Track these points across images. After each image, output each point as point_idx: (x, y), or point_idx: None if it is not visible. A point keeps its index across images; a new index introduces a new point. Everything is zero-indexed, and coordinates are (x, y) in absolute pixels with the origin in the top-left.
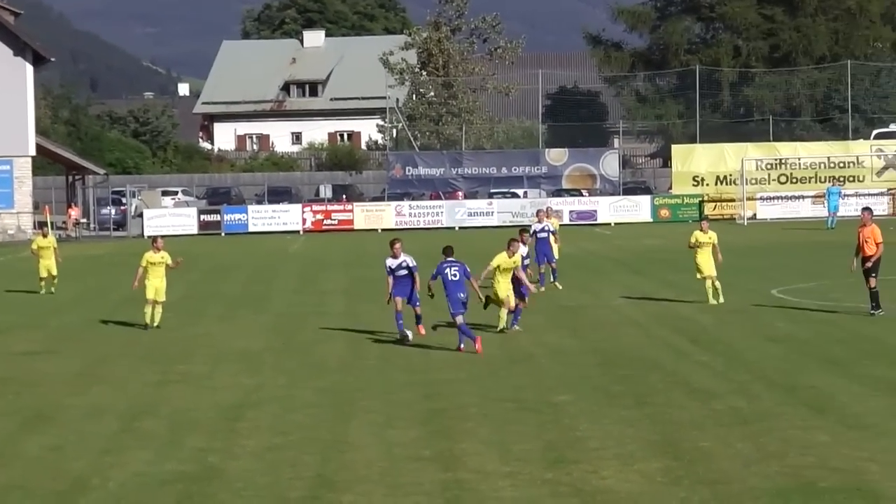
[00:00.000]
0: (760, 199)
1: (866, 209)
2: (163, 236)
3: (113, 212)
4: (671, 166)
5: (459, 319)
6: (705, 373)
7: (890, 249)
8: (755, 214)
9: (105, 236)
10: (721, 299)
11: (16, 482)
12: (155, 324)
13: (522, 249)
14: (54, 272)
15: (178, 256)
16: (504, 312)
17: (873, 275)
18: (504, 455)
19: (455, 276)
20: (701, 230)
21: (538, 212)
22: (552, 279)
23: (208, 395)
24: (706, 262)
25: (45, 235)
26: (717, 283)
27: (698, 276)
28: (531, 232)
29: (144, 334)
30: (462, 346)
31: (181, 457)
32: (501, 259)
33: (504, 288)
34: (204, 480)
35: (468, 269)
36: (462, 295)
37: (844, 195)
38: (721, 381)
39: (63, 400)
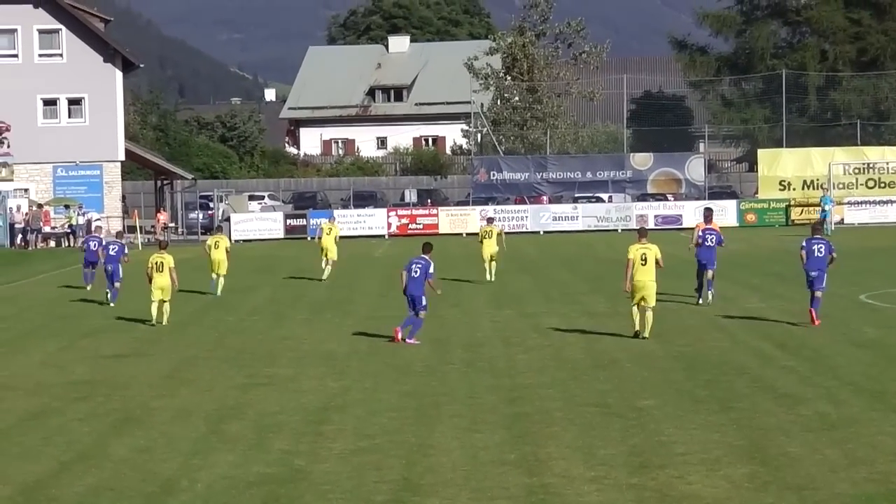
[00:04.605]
0: (848, 203)
1: (708, 209)
2: (247, 240)
3: (201, 216)
4: (757, 171)
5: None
6: (791, 378)
7: None
8: (843, 219)
9: (193, 240)
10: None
11: (106, 483)
12: (163, 321)
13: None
14: (333, 256)
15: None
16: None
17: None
18: (589, 460)
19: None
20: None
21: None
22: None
23: (294, 398)
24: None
25: (327, 233)
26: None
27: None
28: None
29: (230, 337)
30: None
31: (268, 459)
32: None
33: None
34: (290, 483)
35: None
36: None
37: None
38: (808, 387)
39: (151, 402)
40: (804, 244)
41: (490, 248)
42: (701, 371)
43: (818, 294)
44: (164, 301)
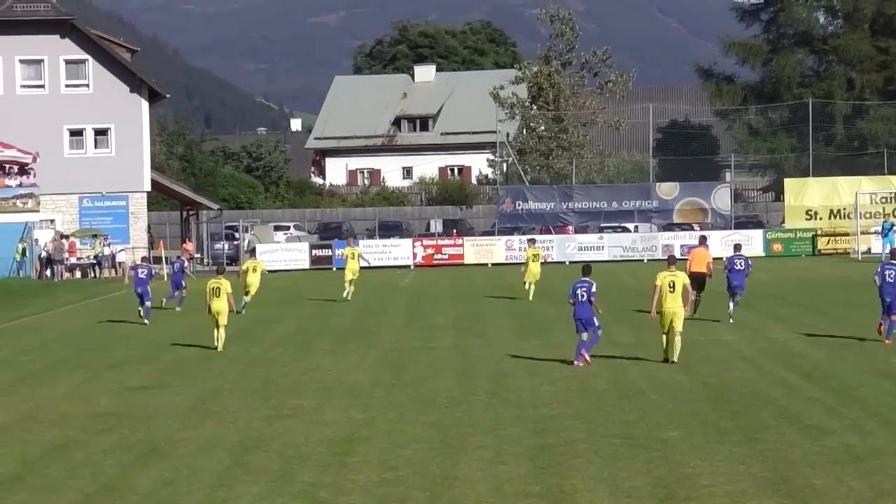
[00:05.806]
0: (875, 233)
1: (702, 237)
2: (273, 271)
3: (226, 246)
4: (784, 200)
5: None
6: (818, 409)
7: None
8: (870, 249)
9: None
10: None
11: None
12: (219, 346)
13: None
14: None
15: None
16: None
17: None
18: (614, 491)
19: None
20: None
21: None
22: None
23: (318, 430)
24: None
25: (351, 256)
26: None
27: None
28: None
29: (254, 369)
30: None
31: (292, 491)
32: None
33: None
34: None
35: None
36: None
37: None
38: (834, 418)
39: (175, 434)
40: (878, 270)
41: (537, 269)
42: (726, 402)
43: (895, 318)
44: (222, 325)
